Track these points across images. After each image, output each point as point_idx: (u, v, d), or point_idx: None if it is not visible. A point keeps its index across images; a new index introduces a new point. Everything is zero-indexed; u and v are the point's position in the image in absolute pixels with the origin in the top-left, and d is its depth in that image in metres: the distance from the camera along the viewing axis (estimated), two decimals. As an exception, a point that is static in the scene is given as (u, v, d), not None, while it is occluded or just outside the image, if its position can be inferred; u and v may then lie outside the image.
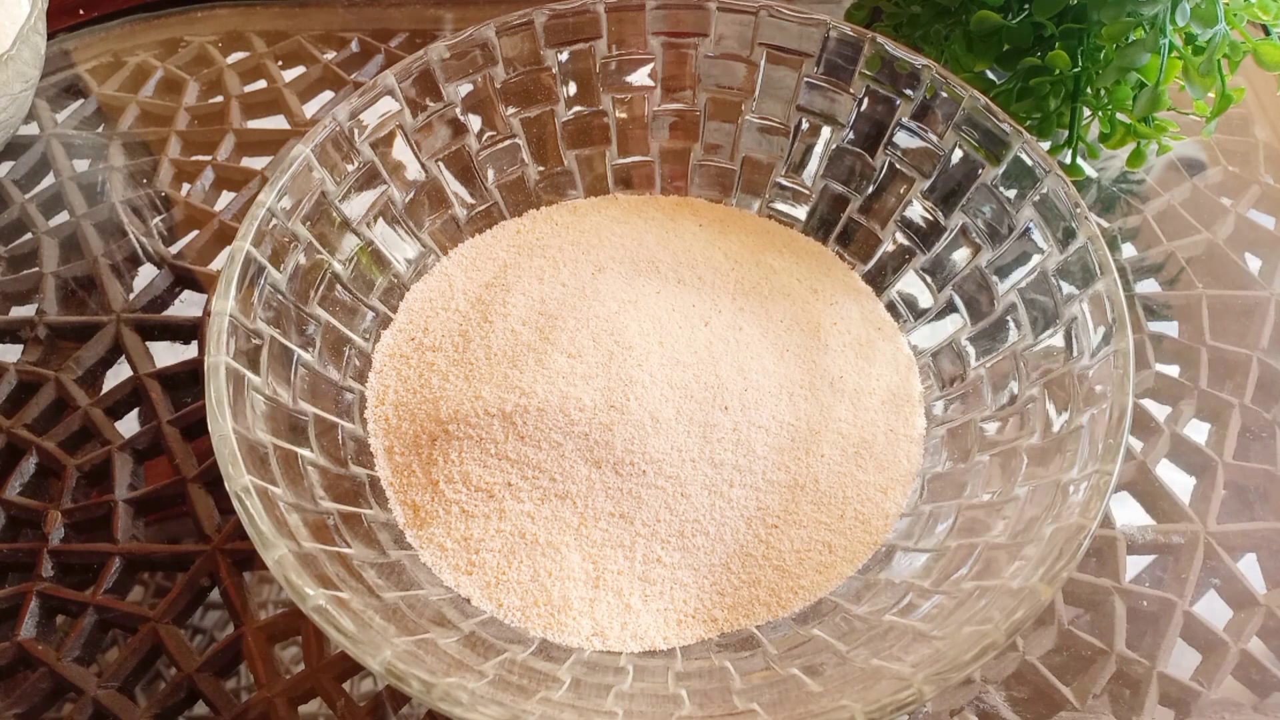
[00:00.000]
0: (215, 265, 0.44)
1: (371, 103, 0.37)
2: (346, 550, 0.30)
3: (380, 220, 0.38)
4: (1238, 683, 0.34)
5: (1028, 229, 0.35)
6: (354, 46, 0.52)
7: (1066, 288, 0.33)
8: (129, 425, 0.39)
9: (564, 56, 0.40)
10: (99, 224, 0.45)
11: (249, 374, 0.31)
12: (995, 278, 0.36)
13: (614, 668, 0.30)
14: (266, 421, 0.31)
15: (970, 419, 0.35)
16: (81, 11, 0.53)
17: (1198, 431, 0.39)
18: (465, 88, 0.40)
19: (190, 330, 0.42)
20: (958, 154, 0.37)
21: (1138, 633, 0.34)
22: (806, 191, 0.41)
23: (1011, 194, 0.36)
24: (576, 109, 0.41)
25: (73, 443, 0.39)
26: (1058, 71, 0.41)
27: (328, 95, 0.50)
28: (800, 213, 0.42)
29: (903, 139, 0.39)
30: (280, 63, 0.51)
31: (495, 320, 0.37)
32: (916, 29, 0.45)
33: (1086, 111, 0.44)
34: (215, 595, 0.35)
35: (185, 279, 0.43)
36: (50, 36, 0.48)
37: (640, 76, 0.41)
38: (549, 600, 0.32)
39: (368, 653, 0.25)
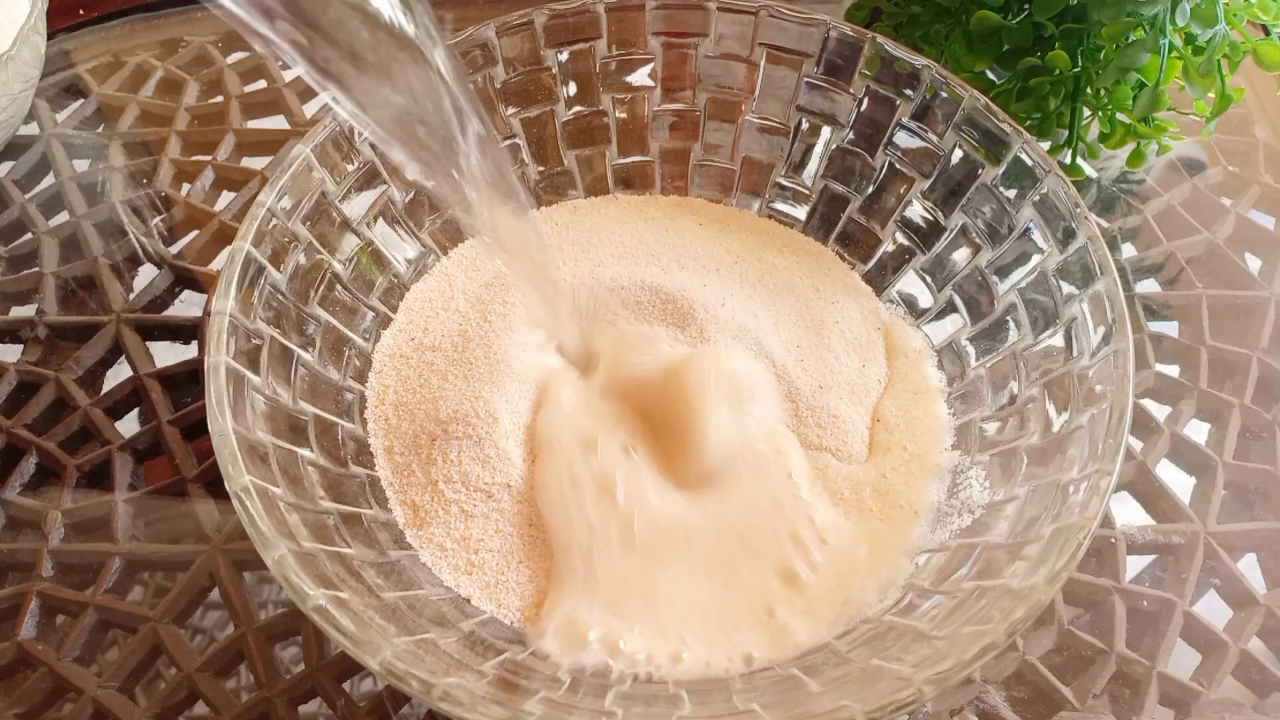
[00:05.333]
0: (215, 265, 0.44)
1: (372, 103, 0.37)
2: (346, 550, 0.30)
3: (380, 220, 0.38)
4: (1238, 683, 0.34)
5: (1028, 229, 0.35)
6: (354, 46, 0.52)
7: (1066, 288, 0.33)
8: (129, 425, 0.39)
9: (564, 56, 0.40)
10: (99, 224, 0.45)
11: (249, 374, 0.31)
12: (995, 278, 0.36)
13: (614, 668, 0.30)
14: (266, 421, 0.31)
15: (970, 419, 0.35)
16: (81, 11, 0.53)
17: (1198, 431, 0.39)
18: (465, 88, 0.39)
19: (190, 330, 0.42)
20: (958, 154, 0.37)
21: (1138, 633, 0.34)
22: (806, 191, 0.41)
23: (1011, 194, 0.36)
24: (576, 109, 0.41)
25: (73, 443, 0.39)
26: (1058, 71, 0.41)
27: (328, 95, 0.50)
28: (800, 213, 0.42)
29: (903, 139, 0.39)
30: (280, 63, 0.51)
31: (495, 320, 0.37)
32: (916, 29, 0.45)
33: (1086, 111, 0.44)
34: (215, 595, 0.35)
35: (185, 279, 0.43)
36: (50, 36, 0.48)
37: (640, 76, 0.41)
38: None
39: (368, 653, 0.25)
